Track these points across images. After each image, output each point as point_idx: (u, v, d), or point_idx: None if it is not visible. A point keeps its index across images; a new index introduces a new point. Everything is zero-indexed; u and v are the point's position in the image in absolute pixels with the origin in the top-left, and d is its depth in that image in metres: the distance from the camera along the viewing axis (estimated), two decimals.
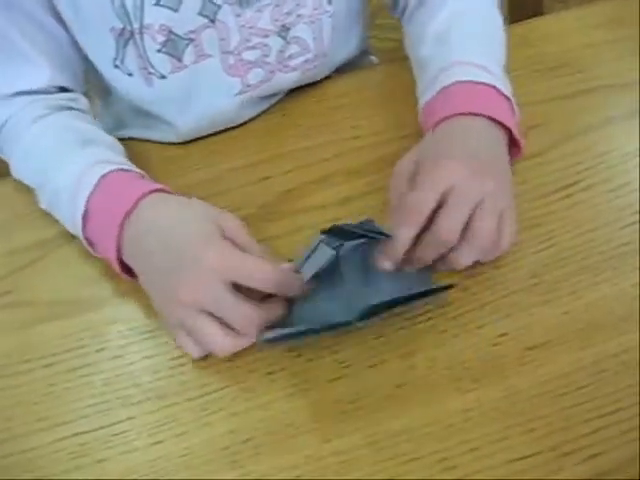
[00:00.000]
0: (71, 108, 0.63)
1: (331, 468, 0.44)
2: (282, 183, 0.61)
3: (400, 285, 0.49)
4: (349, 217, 0.57)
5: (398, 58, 0.70)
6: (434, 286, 0.49)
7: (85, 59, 0.64)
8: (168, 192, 0.54)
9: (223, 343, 0.47)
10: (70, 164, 0.57)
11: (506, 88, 0.56)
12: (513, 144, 0.55)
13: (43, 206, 0.60)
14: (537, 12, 0.85)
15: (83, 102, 0.65)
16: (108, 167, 0.55)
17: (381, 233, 0.49)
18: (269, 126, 0.66)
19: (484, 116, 0.53)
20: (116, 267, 0.53)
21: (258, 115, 0.67)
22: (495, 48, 0.60)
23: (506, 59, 0.61)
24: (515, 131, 0.54)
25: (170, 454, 0.46)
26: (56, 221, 0.59)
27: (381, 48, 1.00)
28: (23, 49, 0.60)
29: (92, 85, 0.72)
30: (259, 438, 0.46)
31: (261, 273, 0.47)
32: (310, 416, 0.46)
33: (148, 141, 0.68)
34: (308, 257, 0.49)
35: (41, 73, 0.61)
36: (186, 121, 0.65)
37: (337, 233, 0.49)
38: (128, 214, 0.51)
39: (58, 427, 0.48)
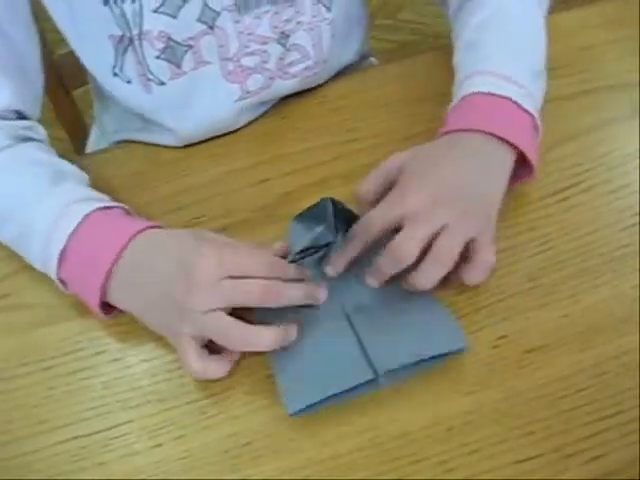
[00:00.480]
0: (32, 139, 0.60)
1: (331, 471, 0.44)
2: (281, 186, 0.61)
3: (418, 331, 0.48)
4: None
5: (396, 59, 0.70)
6: (447, 349, 0.47)
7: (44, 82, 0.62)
8: (151, 227, 0.52)
9: (264, 336, 0.47)
10: (44, 203, 0.54)
11: (531, 100, 0.55)
12: (525, 162, 0.54)
13: (6, 243, 0.57)
14: None
15: (40, 132, 0.62)
16: (89, 206, 0.52)
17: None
18: (268, 129, 0.66)
19: (494, 136, 0.52)
20: (94, 308, 0.51)
21: (256, 119, 0.67)
22: (527, 54, 0.59)
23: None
24: (528, 152, 0.53)
25: (170, 457, 0.46)
26: None
27: (380, 49, 1.00)
28: None
29: (91, 88, 0.72)
30: (259, 441, 0.46)
31: (255, 257, 0.47)
32: (310, 419, 0.46)
33: (147, 144, 0.68)
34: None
35: (2, 93, 0.58)
36: (185, 127, 0.64)
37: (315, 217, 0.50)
38: (115, 261, 0.50)
39: (58, 430, 0.48)
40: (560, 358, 0.47)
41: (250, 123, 0.67)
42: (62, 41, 0.64)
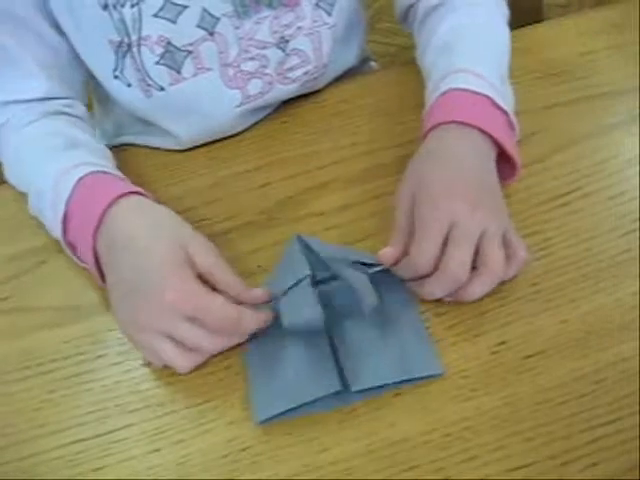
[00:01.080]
0: (65, 113, 0.63)
1: (329, 477, 0.44)
2: (281, 190, 0.61)
3: (397, 352, 0.48)
4: (348, 224, 0.57)
5: (397, 63, 0.70)
6: (427, 372, 0.47)
7: (86, 69, 0.64)
8: (144, 195, 0.54)
9: (182, 361, 0.48)
10: (50, 168, 0.57)
11: (504, 100, 0.55)
12: (505, 160, 0.54)
13: (31, 212, 0.60)
14: (537, 18, 0.85)
15: (80, 109, 0.65)
16: (85, 169, 0.55)
17: (368, 264, 0.50)
18: (268, 133, 0.66)
19: (474, 127, 0.52)
20: (94, 272, 0.52)
21: (256, 123, 0.67)
22: (496, 59, 0.60)
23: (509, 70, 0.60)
24: (508, 147, 0.53)
25: (168, 462, 0.46)
26: None
27: (381, 52, 1.00)
28: (21, 60, 0.60)
29: (92, 90, 0.72)
30: (257, 447, 0.46)
31: (219, 312, 0.47)
32: (308, 425, 0.46)
33: (148, 147, 0.68)
34: (290, 288, 0.49)
35: (38, 85, 0.61)
36: (186, 131, 0.65)
37: (315, 255, 0.50)
38: (102, 218, 0.51)
39: (56, 434, 0.48)
40: (560, 364, 0.47)
41: (251, 127, 0.67)
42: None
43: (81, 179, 0.54)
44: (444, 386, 0.47)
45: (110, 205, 0.51)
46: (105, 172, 0.55)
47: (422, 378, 0.47)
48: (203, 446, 0.46)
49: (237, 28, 0.60)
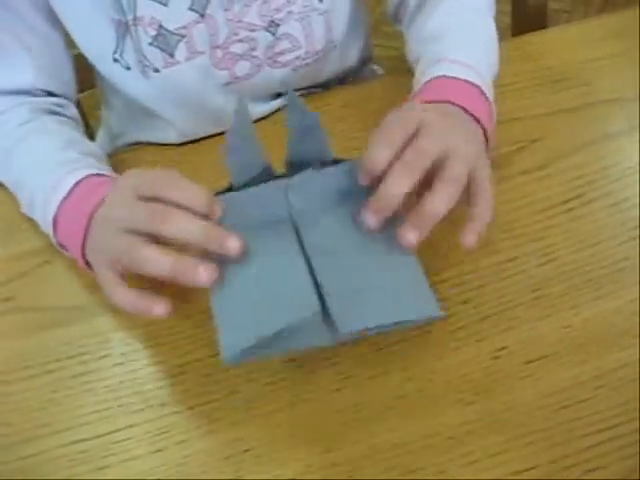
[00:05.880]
0: (56, 113, 0.63)
1: (331, 479, 0.44)
2: None
3: (389, 291, 0.43)
4: None
5: (402, 68, 0.70)
6: (427, 314, 0.44)
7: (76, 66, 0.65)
8: None
9: (162, 261, 0.44)
10: (46, 170, 0.57)
11: (489, 91, 0.56)
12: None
13: (23, 210, 0.60)
14: (541, 25, 0.86)
15: (71, 110, 0.65)
16: (82, 173, 0.55)
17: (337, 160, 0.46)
18: (269, 135, 0.66)
19: (461, 107, 0.52)
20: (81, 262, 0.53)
21: (258, 120, 0.67)
22: (485, 53, 0.61)
23: (499, 69, 0.61)
24: (489, 133, 0.53)
25: (170, 462, 0.46)
26: None
27: (386, 56, 1.00)
28: (7, 46, 0.61)
29: (98, 87, 0.73)
30: (260, 448, 0.46)
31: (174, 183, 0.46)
32: (311, 427, 0.46)
33: (150, 144, 0.68)
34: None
35: (24, 72, 0.62)
36: (183, 117, 0.66)
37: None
38: (92, 215, 0.51)
39: (59, 434, 0.48)
40: (561, 369, 0.47)
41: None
42: (66, 44, 0.65)
43: (77, 183, 0.54)
44: (446, 390, 0.47)
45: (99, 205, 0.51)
46: (98, 175, 0.55)
47: (419, 322, 0.44)
48: (206, 447, 0.46)
49: (226, 10, 0.61)
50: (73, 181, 0.54)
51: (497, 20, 0.65)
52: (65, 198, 0.54)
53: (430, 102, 0.53)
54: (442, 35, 0.61)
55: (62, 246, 0.56)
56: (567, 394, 0.46)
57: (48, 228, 0.56)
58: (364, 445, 0.45)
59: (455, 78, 0.55)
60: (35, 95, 0.63)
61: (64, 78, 0.65)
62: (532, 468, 0.43)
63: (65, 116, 0.64)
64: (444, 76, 0.56)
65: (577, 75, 0.67)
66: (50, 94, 0.64)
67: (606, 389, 0.46)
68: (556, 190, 0.57)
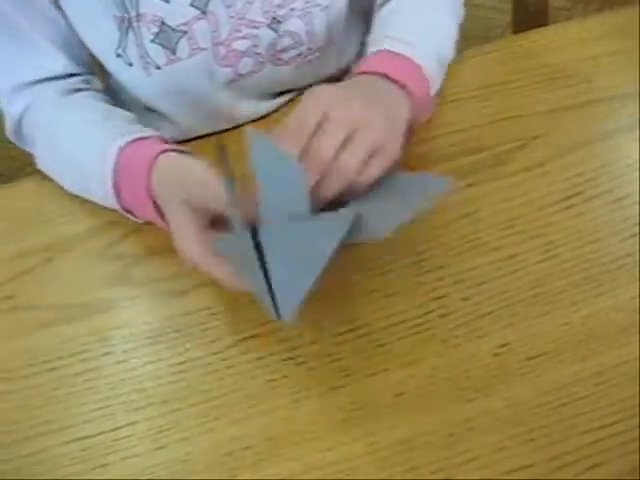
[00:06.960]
0: (86, 89, 0.65)
1: (331, 477, 0.44)
2: None
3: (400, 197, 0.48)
4: None
5: None
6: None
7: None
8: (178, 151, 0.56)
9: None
10: (93, 141, 0.58)
11: (427, 65, 0.57)
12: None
13: (71, 189, 0.62)
14: (542, 22, 0.86)
15: (95, 83, 0.67)
16: (126, 139, 0.56)
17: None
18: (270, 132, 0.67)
19: (382, 75, 0.54)
20: (159, 221, 0.54)
21: (259, 118, 0.68)
22: (432, 41, 0.62)
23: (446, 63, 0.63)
24: (416, 92, 0.55)
25: (172, 460, 0.46)
26: (60, 226, 0.60)
27: None
28: (34, 40, 0.62)
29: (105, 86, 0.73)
30: (260, 445, 0.46)
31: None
32: (311, 424, 0.46)
33: None
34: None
35: (55, 61, 0.63)
36: (185, 114, 0.66)
37: None
38: (150, 169, 0.53)
39: (61, 431, 0.48)
40: (561, 366, 0.47)
41: (253, 122, 0.67)
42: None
43: (122, 148, 0.55)
44: (446, 387, 0.47)
45: (155, 159, 0.53)
46: (145, 138, 0.57)
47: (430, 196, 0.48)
48: (206, 444, 0.47)
49: (228, 7, 0.61)
50: (123, 143, 0.56)
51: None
52: (119, 156, 0.55)
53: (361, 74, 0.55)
54: (392, 18, 0.63)
55: (127, 210, 0.57)
56: (567, 391, 0.46)
57: (108, 195, 0.56)
58: (364, 442, 0.45)
59: (383, 50, 0.57)
60: (59, 79, 0.64)
61: (84, 60, 0.66)
62: (532, 465, 0.43)
63: (93, 89, 0.66)
64: (378, 51, 0.58)
65: (578, 72, 0.67)
66: (72, 75, 0.65)
67: (606, 386, 0.46)
68: (557, 187, 0.58)
